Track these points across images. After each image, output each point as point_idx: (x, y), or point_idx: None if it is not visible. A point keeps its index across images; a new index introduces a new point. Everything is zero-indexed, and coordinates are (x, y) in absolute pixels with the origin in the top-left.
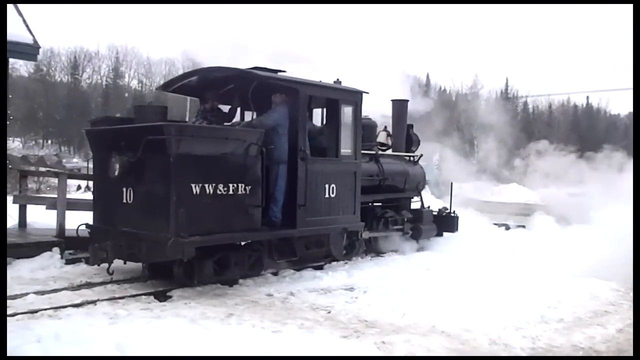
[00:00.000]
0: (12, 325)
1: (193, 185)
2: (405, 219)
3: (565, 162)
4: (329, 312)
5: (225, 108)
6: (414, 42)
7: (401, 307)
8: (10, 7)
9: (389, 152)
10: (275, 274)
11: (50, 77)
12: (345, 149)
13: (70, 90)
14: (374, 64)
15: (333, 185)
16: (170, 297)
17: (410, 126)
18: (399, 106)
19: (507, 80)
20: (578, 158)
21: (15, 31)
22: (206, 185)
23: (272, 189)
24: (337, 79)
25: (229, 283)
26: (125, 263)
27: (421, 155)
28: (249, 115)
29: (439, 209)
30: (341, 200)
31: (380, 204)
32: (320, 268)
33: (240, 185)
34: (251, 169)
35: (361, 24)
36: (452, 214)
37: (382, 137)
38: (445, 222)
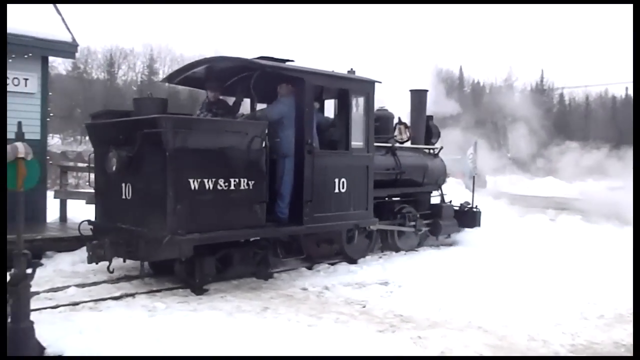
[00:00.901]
0: (55, 317)
1: (191, 181)
2: (418, 215)
3: (602, 155)
4: (364, 307)
5: (232, 100)
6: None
7: (436, 301)
8: (49, 7)
9: (408, 144)
10: (309, 268)
11: (87, 74)
12: (357, 142)
13: (107, 87)
14: (405, 58)
15: (343, 179)
16: (206, 290)
17: (430, 117)
18: (418, 96)
19: (542, 72)
20: (617, 151)
21: (54, 30)
22: (205, 181)
23: (278, 184)
24: (351, 69)
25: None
26: (124, 261)
27: (441, 148)
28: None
29: (461, 204)
30: (352, 196)
31: (398, 198)
32: (354, 262)
33: (242, 180)
34: (254, 163)
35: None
36: (475, 209)
37: (401, 131)
38: (467, 217)
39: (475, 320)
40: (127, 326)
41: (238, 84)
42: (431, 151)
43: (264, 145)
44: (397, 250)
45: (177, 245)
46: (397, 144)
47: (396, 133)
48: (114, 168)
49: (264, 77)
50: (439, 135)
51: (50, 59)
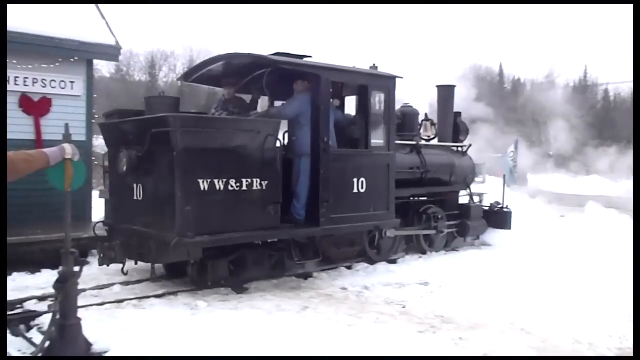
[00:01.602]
0: (101, 314)
1: (201, 181)
2: (440, 216)
3: None
4: (404, 307)
5: (250, 98)
6: (487, 32)
7: (477, 302)
8: (94, 11)
9: (434, 142)
10: (349, 267)
11: (129, 76)
12: (377, 140)
13: (148, 88)
14: (435, 54)
15: (363, 179)
16: (247, 289)
17: (458, 114)
18: (445, 92)
19: (585, 67)
20: None
21: (99, 34)
22: (216, 181)
23: (294, 184)
24: (374, 64)
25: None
26: (136, 263)
27: (470, 146)
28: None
29: (491, 204)
30: (372, 196)
31: (425, 198)
32: (394, 262)
33: (255, 180)
34: (267, 162)
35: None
36: (506, 209)
37: (427, 128)
38: (497, 218)
39: (517, 321)
40: (170, 324)
41: (255, 81)
42: (459, 149)
43: (277, 144)
44: (423, 252)
45: (186, 248)
46: (423, 142)
47: (422, 130)
48: (124, 168)
49: (280, 74)
50: (467, 133)
51: (95, 62)
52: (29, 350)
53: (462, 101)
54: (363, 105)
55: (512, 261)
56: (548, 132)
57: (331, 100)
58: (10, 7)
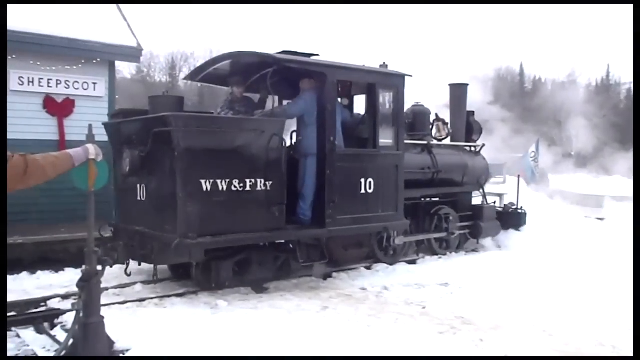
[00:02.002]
0: (123, 313)
1: (203, 182)
2: (451, 217)
3: None
4: (424, 308)
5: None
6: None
7: (498, 304)
8: (115, 13)
9: (447, 142)
10: (368, 267)
11: (150, 77)
12: (385, 139)
13: (169, 89)
14: (449, 53)
15: (370, 179)
16: (267, 288)
17: (471, 113)
18: (458, 91)
19: (608, 66)
20: None
21: (121, 36)
22: (219, 181)
23: (300, 184)
24: (383, 63)
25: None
26: (139, 264)
27: (483, 145)
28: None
29: (505, 205)
30: (380, 197)
31: (437, 199)
32: (413, 262)
33: (259, 180)
34: (272, 162)
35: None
36: (520, 210)
37: (439, 128)
38: (511, 219)
39: (538, 323)
40: (190, 323)
41: (262, 80)
42: (472, 149)
43: (282, 143)
44: (435, 253)
45: (187, 249)
46: (435, 142)
47: (434, 130)
48: (127, 168)
49: (288, 73)
50: (480, 132)
51: (116, 63)
52: (52, 348)
53: (479, 101)
54: (371, 104)
55: (532, 262)
56: (569, 132)
57: (339, 99)
58: (34, 11)
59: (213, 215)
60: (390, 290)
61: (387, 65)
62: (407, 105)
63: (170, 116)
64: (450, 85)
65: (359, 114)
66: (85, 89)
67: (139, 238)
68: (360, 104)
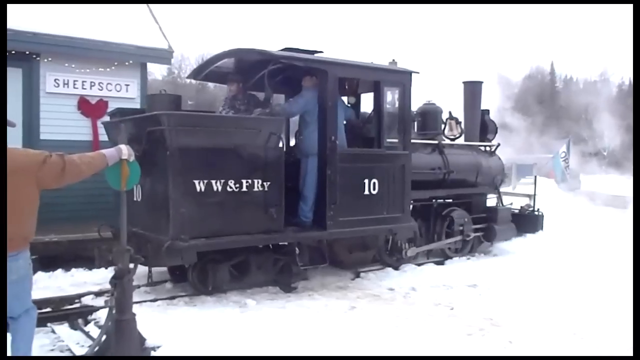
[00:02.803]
0: (154, 310)
1: (196, 182)
2: (466, 220)
3: None
4: (452, 309)
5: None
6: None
7: (527, 305)
8: (148, 16)
9: (460, 141)
10: (396, 268)
11: (180, 79)
12: (391, 139)
13: (198, 90)
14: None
15: (374, 180)
16: (295, 288)
17: (486, 112)
18: (472, 89)
19: None
20: None
21: (152, 38)
22: (213, 182)
23: (301, 185)
24: (393, 60)
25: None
26: (135, 267)
27: (498, 145)
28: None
29: (521, 207)
30: (385, 198)
31: (450, 200)
32: (441, 263)
33: (256, 181)
34: (269, 162)
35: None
36: (537, 212)
37: (452, 127)
38: (527, 221)
39: (568, 326)
40: (220, 321)
41: (267, 78)
42: (487, 148)
43: (281, 143)
44: (446, 257)
45: (179, 252)
46: (447, 141)
47: (447, 130)
48: None
49: (291, 71)
50: (496, 131)
51: (148, 64)
52: (86, 343)
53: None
54: (376, 102)
55: (562, 264)
56: (600, 131)
57: (344, 97)
58: (68, 14)
59: (207, 217)
60: (418, 290)
61: (396, 62)
62: (419, 104)
63: (163, 114)
64: (464, 82)
65: (367, 113)
66: (118, 91)
67: (135, 239)
68: (368, 103)
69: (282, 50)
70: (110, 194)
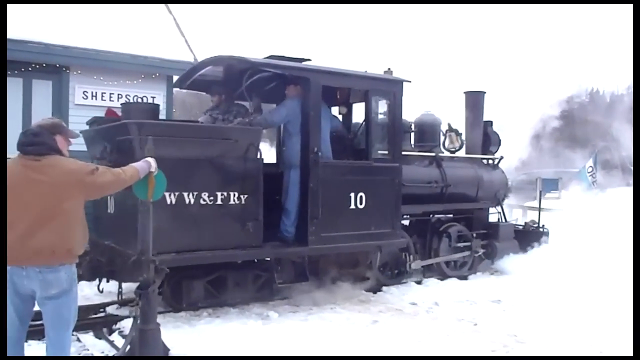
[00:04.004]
0: (178, 321)
1: (167, 194)
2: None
3: None
4: (476, 324)
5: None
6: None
7: (552, 323)
8: (173, 29)
9: (461, 154)
10: (419, 282)
11: None
12: (380, 150)
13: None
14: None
15: (362, 194)
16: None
17: (489, 123)
18: (474, 99)
19: None
20: None
21: (178, 51)
22: (185, 194)
23: (284, 198)
24: (388, 69)
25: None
26: (108, 281)
27: (501, 158)
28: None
29: (525, 223)
30: (374, 213)
31: (451, 215)
32: (464, 278)
33: (232, 193)
34: (247, 175)
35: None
36: (541, 229)
37: (452, 139)
38: (531, 238)
39: (595, 344)
40: (242, 333)
41: (253, 87)
42: (490, 161)
43: (259, 154)
44: (445, 275)
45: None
46: (447, 153)
47: (447, 142)
48: None
49: (277, 80)
50: (499, 144)
51: (174, 77)
52: (110, 352)
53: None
54: (366, 112)
55: (590, 281)
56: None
57: (334, 107)
58: (97, 27)
59: (177, 231)
60: (441, 305)
61: (391, 71)
62: (417, 114)
63: (132, 123)
64: (465, 92)
65: (358, 124)
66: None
67: (107, 253)
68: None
69: (266, 58)
70: (89, 205)
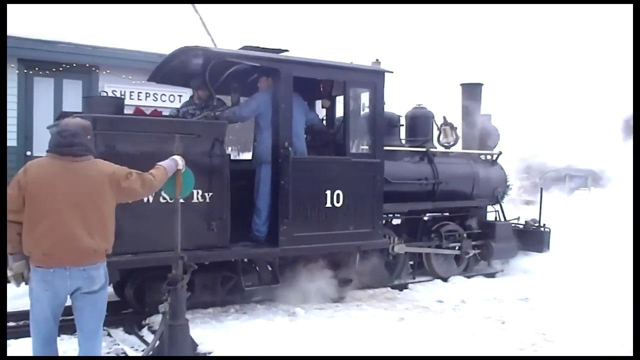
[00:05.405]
0: (205, 317)
1: None
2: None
3: None
4: (503, 323)
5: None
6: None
7: (581, 321)
8: (200, 28)
9: (457, 149)
10: (445, 279)
11: None
12: (360, 145)
13: None
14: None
15: (338, 191)
16: (343, 297)
17: (488, 117)
18: (471, 91)
19: None
20: None
21: None
22: None
23: (255, 196)
24: (377, 59)
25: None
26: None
27: (500, 154)
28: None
29: (526, 221)
30: (352, 212)
31: (447, 214)
32: (491, 275)
33: (195, 191)
34: (212, 171)
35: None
36: (543, 228)
37: (446, 133)
38: (532, 238)
39: (626, 344)
40: (270, 329)
41: (231, 80)
42: (487, 157)
43: (224, 150)
44: (436, 276)
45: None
46: (441, 148)
47: (441, 137)
48: None
49: (252, 72)
50: (498, 138)
51: None
52: (140, 347)
53: None
54: (344, 105)
55: (617, 279)
56: None
57: (316, 100)
58: (124, 28)
59: (134, 231)
60: (468, 303)
61: (379, 62)
62: (408, 107)
63: (97, 118)
64: (462, 84)
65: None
66: (171, 101)
67: None
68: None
69: (241, 48)
70: None
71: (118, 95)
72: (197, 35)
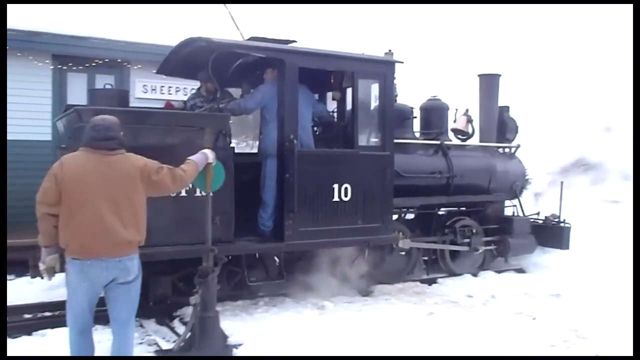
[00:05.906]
0: (235, 309)
1: None
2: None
3: None
4: (534, 319)
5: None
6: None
7: (614, 318)
8: (230, 24)
9: (474, 142)
10: (474, 274)
11: None
12: (370, 138)
13: None
14: None
15: (346, 185)
16: (371, 291)
17: (505, 108)
18: (489, 82)
19: None
20: None
21: None
22: None
23: (261, 190)
24: (389, 50)
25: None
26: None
27: (519, 146)
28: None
29: (546, 217)
30: (360, 206)
31: (464, 208)
32: (522, 271)
33: None
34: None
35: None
36: (563, 224)
37: (461, 123)
38: (551, 234)
39: None
40: (299, 322)
41: (240, 72)
42: (506, 150)
43: (229, 143)
44: (452, 273)
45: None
46: (456, 141)
47: (458, 125)
48: None
49: (261, 64)
50: (516, 131)
51: None
52: (171, 338)
53: None
54: (352, 97)
55: None
56: None
57: (327, 92)
58: (156, 24)
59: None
60: (498, 298)
61: (392, 53)
62: (423, 99)
63: (82, 110)
64: (479, 75)
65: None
66: None
67: None
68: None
69: (248, 39)
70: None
71: (149, 89)
72: (228, 31)
